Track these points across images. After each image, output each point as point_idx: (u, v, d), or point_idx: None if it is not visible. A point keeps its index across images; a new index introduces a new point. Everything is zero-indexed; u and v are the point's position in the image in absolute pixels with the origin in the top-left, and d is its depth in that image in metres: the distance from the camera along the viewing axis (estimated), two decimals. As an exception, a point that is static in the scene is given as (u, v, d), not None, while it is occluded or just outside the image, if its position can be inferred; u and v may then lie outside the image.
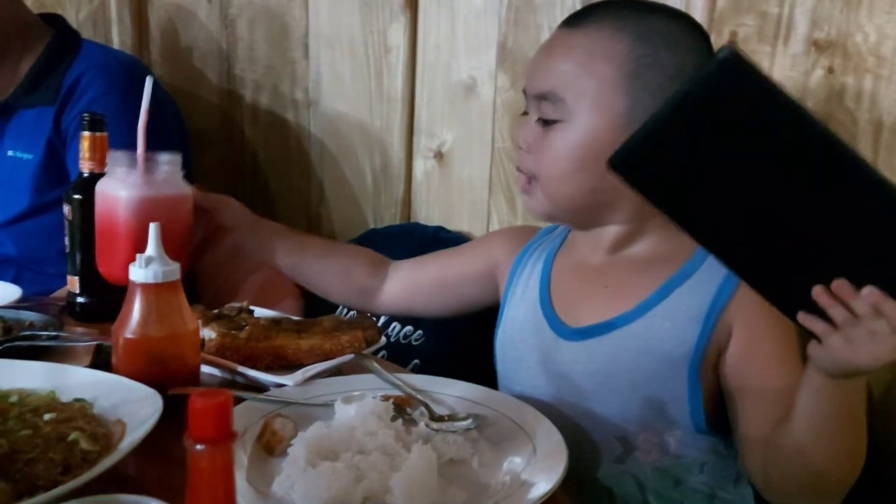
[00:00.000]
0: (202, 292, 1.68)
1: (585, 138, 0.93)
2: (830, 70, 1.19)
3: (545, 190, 0.97)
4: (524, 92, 0.99)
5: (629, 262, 0.99)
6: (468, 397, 0.90)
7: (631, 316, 0.93)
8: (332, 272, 1.20)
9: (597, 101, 0.92)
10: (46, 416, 0.73)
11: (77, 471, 0.65)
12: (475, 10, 1.54)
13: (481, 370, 1.33)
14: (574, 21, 0.96)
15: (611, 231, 0.99)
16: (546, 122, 0.94)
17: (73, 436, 0.69)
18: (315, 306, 1.69)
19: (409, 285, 1.17)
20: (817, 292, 0.66)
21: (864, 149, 1.18)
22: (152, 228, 0.87)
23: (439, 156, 1.64)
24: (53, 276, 1.33)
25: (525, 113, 1.00)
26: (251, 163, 1.80)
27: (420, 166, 1.66)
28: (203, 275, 1.68)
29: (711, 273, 0.92)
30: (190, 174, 1.69)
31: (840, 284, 0.65)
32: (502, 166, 1.58)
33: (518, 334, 1.03)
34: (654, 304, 0.92)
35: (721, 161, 0.66)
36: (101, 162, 1.13)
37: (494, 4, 1.52)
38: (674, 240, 0.97)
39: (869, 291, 0.65)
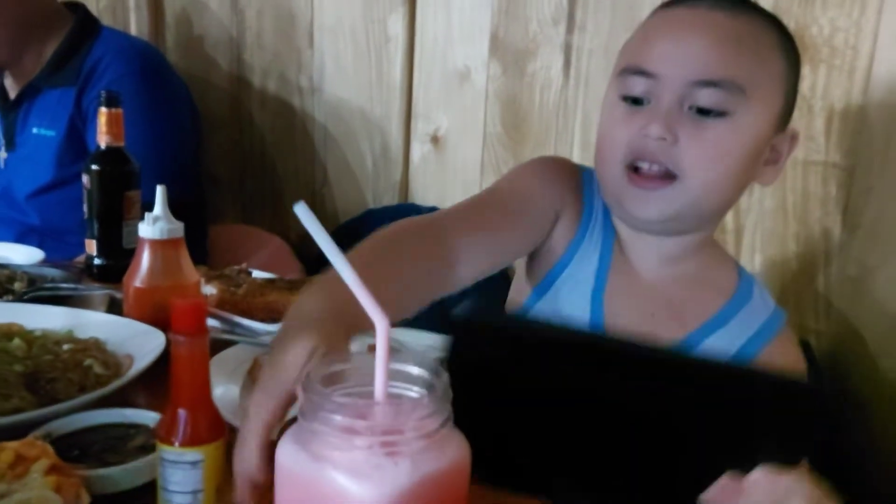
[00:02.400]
0: (213, 266, 1.78)
1: (755, 136, 0.85)
2: (789, 60, 1.28)
3: (692, 191, 0.85)
4: (630, 71, 0.87)
5: (682, 280, 0.93)
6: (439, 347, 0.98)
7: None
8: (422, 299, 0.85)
9: (767, 95, 0.85)
10: (66, 346, 0.84)
11: (91, 390, 0.76)
12: (470, 2, 1.62)
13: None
14: (722, 5, 0.85)
15: (676, 241, 0.93)
16: (704, 113, 0.84)
17: (88, 362, 0.80)
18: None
19: (478, 266, 0.90)
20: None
21: (818, 135, 1.27)
22: (159, 190, 0.97)
23: (435, 140, 1.73)
24: (74, 245, 1.43)
25: (633, 98, 0.87)
26: (259, 145, 1.91)
27: (417, 150, 1.75)
28: (214, 251, 1.78)
29: (749, 316, 0.90)
30: (200, 156, 1.81)
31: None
32: (493, 150, 1.67)
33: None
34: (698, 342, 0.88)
35: (527, 414, 0.57)
36: (118, 136, 1.24)
37: (487, -3, 1.61)
38: (722, 261, 0.96)
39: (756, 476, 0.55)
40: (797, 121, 1.29)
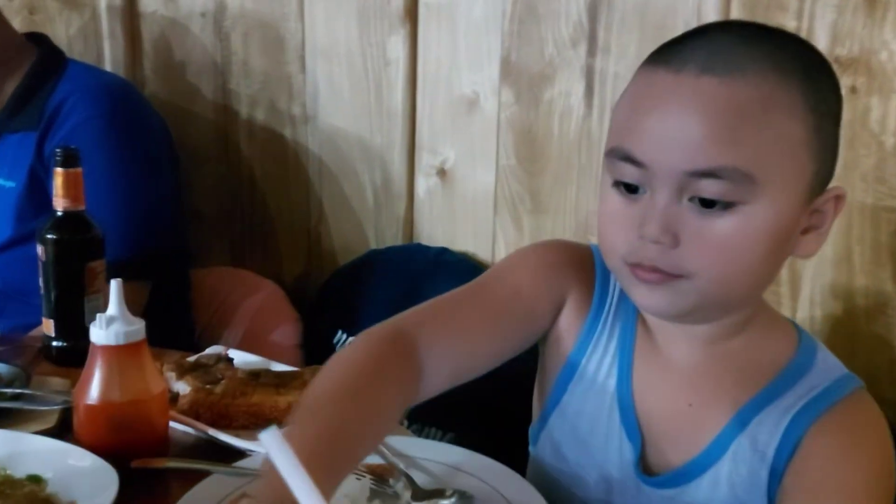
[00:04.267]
0: (199, 314, 1.64)
1: (778, 221, 0.70)
2: (853, 90, 1.11)
3: (705, 288, 0.71)
4: (617, 155, 0.72)
5: (724, 361, 0.79)
6: (461, 467, 0.83)
7: (724, 442, 0.77)
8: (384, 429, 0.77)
9: (787, 172, 0.70)
10: (-10, 505, 0.68)
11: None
12: (476, 23, 1.47)
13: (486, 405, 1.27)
14: (713, 66, 0.69)
15: (712, 325, 0.78)
16: (708, 204, 0.69)
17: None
18: (313, 329, 1.65)
19: (452, 374, 0.82)
20: None
21: (889, 176, 1.10)
22: (114, 285, 0.81)
23: (442, 173, 1.58)
24: (39, 306, 1.28)
25: (626, 186, 0.73)
26: (248, 180, 1.75)
27: (422, 184, 1.60)
28: (200, 296, 1.63)
29: (806, 389, 0.76)
30: (183, 196, 1.65)
31: None
32: (507, 185, 1.51)
33: (584, 445, 0.84)
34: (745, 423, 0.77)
35: None
36: (76, 199, 1.08)
37: (497, 16, 1.45)
38: (775, 329, 0.81)
39: None
40: (864, 159, 1.13)
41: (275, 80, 1.67)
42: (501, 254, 1.56)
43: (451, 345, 0.80)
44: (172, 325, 1.39)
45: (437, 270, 1.59)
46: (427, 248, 1.62)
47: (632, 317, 0.84)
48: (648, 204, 0.71)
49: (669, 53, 0.72)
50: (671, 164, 0.69)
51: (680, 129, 0.68)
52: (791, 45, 0.73)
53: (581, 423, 0.84)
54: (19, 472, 0.75)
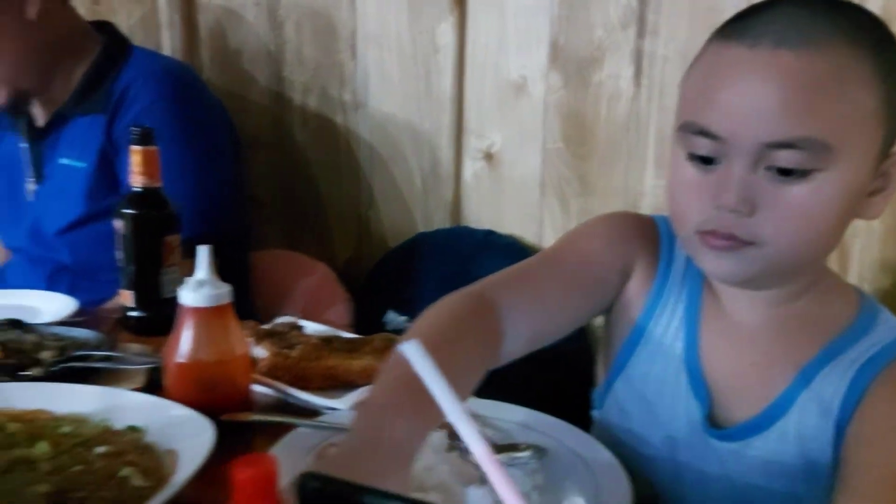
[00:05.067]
0: (255, 297, 1.68)
1: (851, 186, 0.73)
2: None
3: (775, 255, 0.74)
4: (691, 130, 0.75)
5: (788, 322, 0.82)
6: (530, 425, 0.87)
7: (790, 396, 0.80)
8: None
9: (863, 138, 0.73)
10: (99, 450, 0.72)
11: (129, 508, 0.65)
12: (525, 8, 1.51)
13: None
14: (788, 39, 0.71)
15: (777, 289, 0.82)
16: (785, 172, 0.71)
17: (124, 472, 0.68)
18: (364, 309, 1.69)
19: (531, 338, 0.85)
20: None
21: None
22: (203, 251, 0.86)
23: (489, 157, 1.61)
24: (107, 283, 1.33)
25: (701, 157, 0.75)
26: (301, 166, 1.79)
27: (469, 168, 1.64)
28: (256, 278, 1.68)
29: (868, 346, 0.79)
30: (244, 179, 1.70)
31: None
32: (554, 168, 1.54)
33: (649, 405, 0.87)
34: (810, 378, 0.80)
35: None
36: (153, 176, 1.13)
37: (545, 1, 1.48)
38: (838, 292, 0.84)
39: None
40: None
41: (327, 68, 1.71)
42: (548, 236, 1.59)
43: (530, 310, 0.83)
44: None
45: (484, 252, 1.62)
46: (474, 230, 1.66)
47: (698, 282, 0.87)
48: (724, 174, 0.73)
49: (741, 28, 0.74)
50: (750, 136, 0.71)
51: (758, 103, 0.70)
52: (862, 18, 0.75)
53: (648, 384, 0.88)
54: (118, 424, 0.80)
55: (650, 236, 0.90)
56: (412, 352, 0.44)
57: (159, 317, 1.12)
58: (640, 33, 1.41)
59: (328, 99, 1.73)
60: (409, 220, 1.72)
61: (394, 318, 1.67)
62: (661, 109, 1.41)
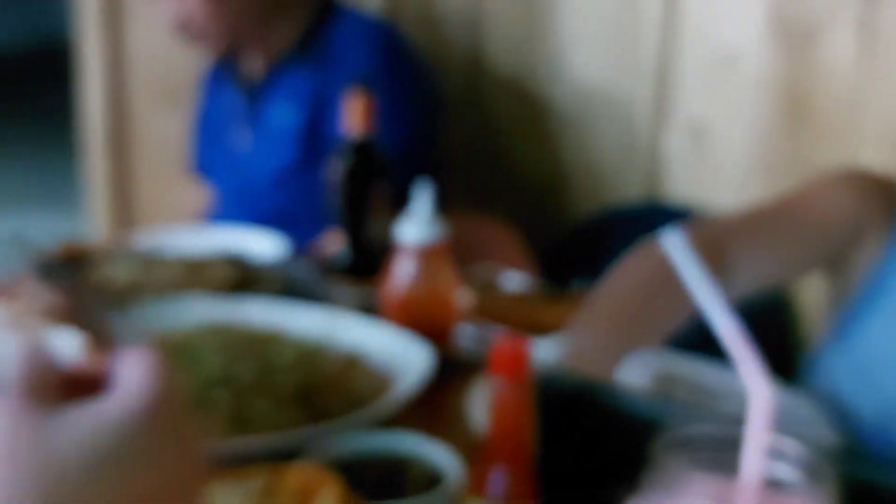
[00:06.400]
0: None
1: None
2: None
3: None
4: None
5: None
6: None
7: None
8: None
9: None
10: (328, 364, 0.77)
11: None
12: (742, -25, 1.45)
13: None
14: None
15: None
16: None
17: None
18: (550, 278, 1.68)
19: (752, 282, 0.86)
20: None
21: None
22: (422, 191, 0.88)
23: (693, 131, 1.56)
24: (312, 231, 1.40)
25: None
26: (494, 132, 1.81)
27: (670, 142, 1.59)
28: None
29: None
30: (442, 140, 1.73)
31: None
32: (769, 146, 1.47)
33: (866, 374, 0.82)
34: None
35: None
36: (368, 127, 1.17)
37: (764, -32, 1.42)
38: None
39: None
40: None
41: (525, 35, 1.72)
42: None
43: (756, 255, 0.85)
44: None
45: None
46: (669, 206, 1.61)
47: None
48: None
49: None
50: None
51: None
52: None
53: (871, 352, 0.83)
54: (343, 344, 0.83)
55: (889, 197, 0.86)
56: (672, 242, 0.46)
57: (368, 263, 1.16)
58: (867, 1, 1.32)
59: (525, 66, 1.73)
60: (600, 193, 1.70)
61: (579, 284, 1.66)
62: (888, 85, 1.32)
